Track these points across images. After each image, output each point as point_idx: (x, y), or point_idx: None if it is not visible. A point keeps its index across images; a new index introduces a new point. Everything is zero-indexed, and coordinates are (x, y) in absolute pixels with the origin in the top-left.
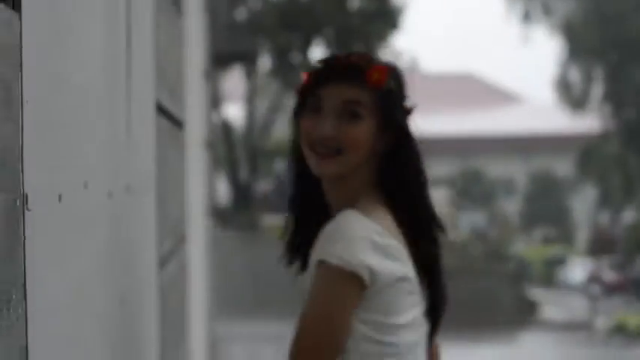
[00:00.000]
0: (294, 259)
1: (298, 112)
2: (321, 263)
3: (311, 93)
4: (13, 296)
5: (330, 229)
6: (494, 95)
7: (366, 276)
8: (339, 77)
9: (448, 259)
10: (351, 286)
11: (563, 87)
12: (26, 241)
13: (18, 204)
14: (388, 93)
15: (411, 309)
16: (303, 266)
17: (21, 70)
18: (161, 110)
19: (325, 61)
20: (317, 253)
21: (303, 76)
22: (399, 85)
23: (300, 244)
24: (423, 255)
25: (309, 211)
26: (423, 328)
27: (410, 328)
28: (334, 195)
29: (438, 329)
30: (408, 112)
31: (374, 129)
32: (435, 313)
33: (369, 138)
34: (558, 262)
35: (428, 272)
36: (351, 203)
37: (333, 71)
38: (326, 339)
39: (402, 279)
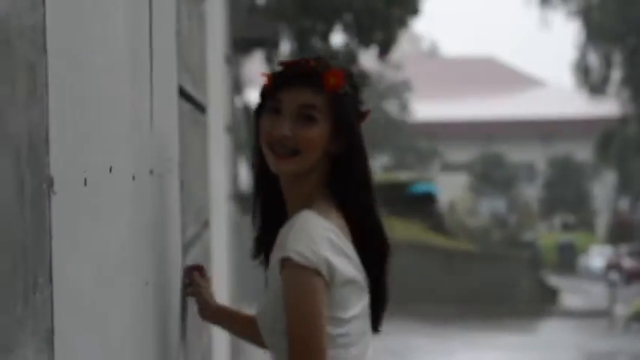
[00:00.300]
0: (259, 253)
1: (259, 113)
2: (284, 261)
3: (271, 96)
4: (39, 279)
5: (289, 228)
6: (515, 79)
7: (324, 271)
8: (297, 81)
9: (469, 245)
10: (316, 281)
11: (582, 71)
12: (52, 224)
13: (44, 187)
14: (344, 97)
15: (359, 302)
16: (267, 262)
17: (45, 53)
18: (184, 95)
19: (285, 65)
20: (279, 252)
21: (264, 79)
22: (355, 89)
23: (263, 239)
24: (370, 256)
25: (270, 209)
26: (368, 318)
27: (358, 319)
28: (291, 194)
29: (381, 323)
30: (362, 116)
31: (328, 132)
32: (377, 309)
33: (324, 141)
34: (569, 248)
35: (373, 271)
36: (307, 204)
37: (292, 75)
38: (313, 339)
39: (353, 280)
